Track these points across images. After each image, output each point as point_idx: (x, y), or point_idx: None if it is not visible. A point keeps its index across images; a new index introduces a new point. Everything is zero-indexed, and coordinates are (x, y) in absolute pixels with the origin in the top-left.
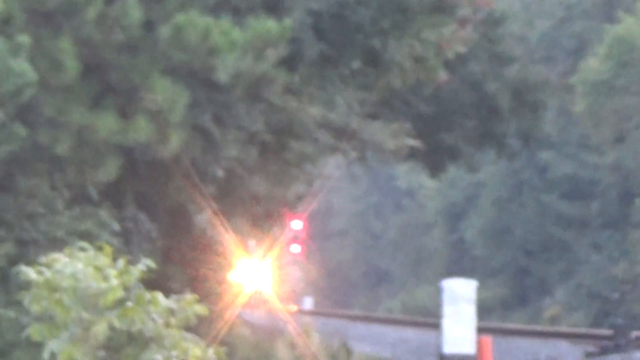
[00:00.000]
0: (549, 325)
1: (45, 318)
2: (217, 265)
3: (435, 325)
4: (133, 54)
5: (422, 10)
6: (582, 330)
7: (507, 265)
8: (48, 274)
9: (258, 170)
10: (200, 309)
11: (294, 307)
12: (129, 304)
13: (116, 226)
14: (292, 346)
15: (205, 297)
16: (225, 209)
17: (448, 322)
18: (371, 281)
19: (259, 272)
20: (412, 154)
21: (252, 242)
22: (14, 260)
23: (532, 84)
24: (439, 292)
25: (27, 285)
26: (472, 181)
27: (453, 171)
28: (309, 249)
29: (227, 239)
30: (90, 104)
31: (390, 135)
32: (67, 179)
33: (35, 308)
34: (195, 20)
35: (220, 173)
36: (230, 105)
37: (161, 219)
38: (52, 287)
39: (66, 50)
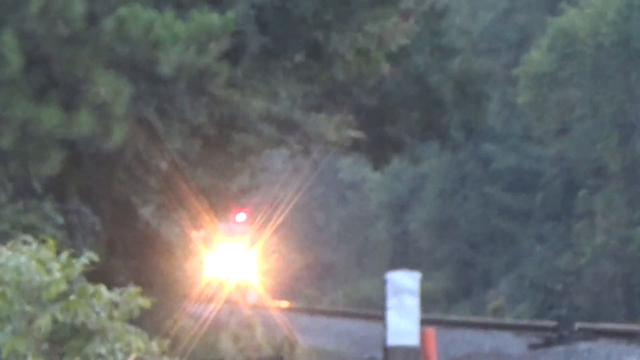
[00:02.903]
0: (493, 317)
1: None
2: (163, 258)
3: (379, 318)
4: (76, 47)
5: (365, 3)
6: (526, 321)
7: (451, 257)
8: None
9: (202, 163)
10: (143, 302)
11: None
12: (72, 297)
13: (60, 219)
14: (236, 339)
15: (150, 290)
16: (170, 202)
17: (392, 314)
18: (315, 273)
19: (244, 261)
20: (355, 146)
21: (237, 227)
22: None
23: (475, 76)
24: (382, 284)
25: None
26: (415, 173)
27: (397, 163)
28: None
29: (173, 231)
30: (34, 97)
31: (334, 127)
32: (10, 172)
33: None
34: (138, 13)
35: (164, 166)
36: (174, 98)
37: (105, 212)
38: None
39: (9, 43)
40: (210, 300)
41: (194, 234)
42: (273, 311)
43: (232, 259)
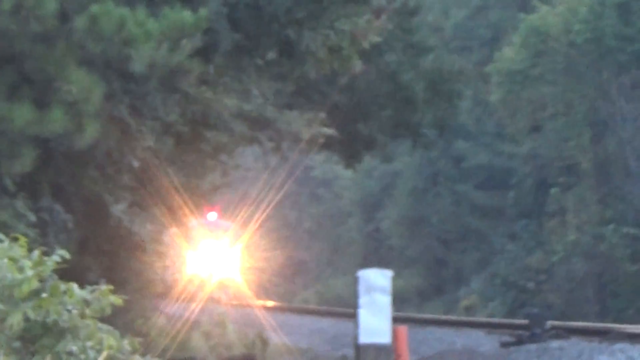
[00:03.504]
0: (465, 315)
1: None
2: (135, 256)
3: (351, 316)
4: (48, 45)
5: (337, 1)
6: (498, 319)
7: (423, 255)
8: None
9: (174, 161)
10: (115, 300)
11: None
12: (44, 295)
13: (32, 217)
14: (208, 336)
15: (122, 287)
16: (142, 200)
17: (364, 312)
18: (287, 271)
19: (227, 258)
20: (327, 144)
21: (226, 223)
22: None
23: (448, 73)
24: (354, 282)
25: None
26: (387, 171)
27: (369, 161)
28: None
29: (145, 229)
30: (6, 94)
31: (306, 124)
32: None
33: None
34: (111, 11)
35: (136, 164)
36: (146, 95)
37: (77, 210)
38: None
39: None
40: (191, 298)
41: (171, 232)
42: (247, 309)
43: (214, 257)
